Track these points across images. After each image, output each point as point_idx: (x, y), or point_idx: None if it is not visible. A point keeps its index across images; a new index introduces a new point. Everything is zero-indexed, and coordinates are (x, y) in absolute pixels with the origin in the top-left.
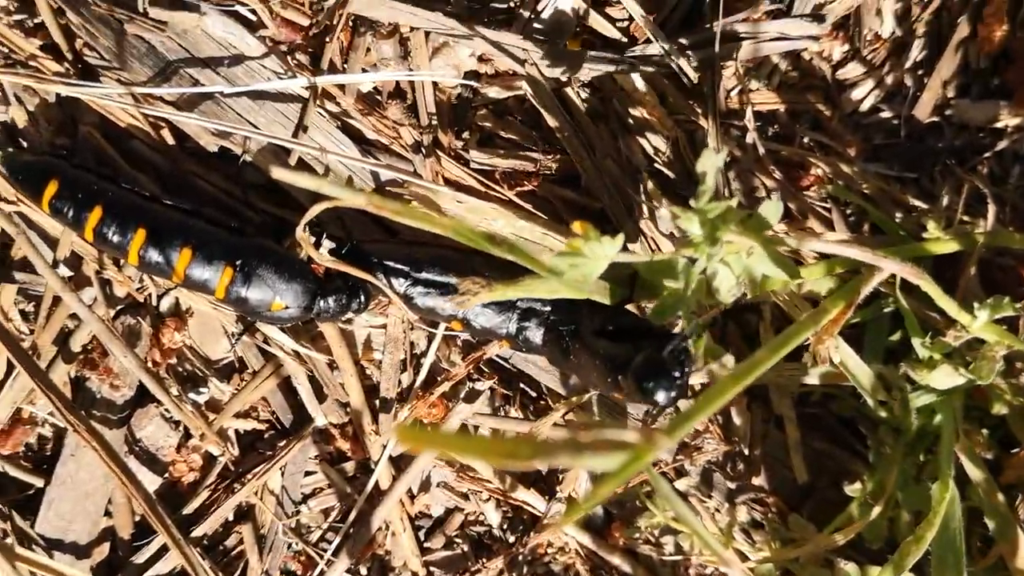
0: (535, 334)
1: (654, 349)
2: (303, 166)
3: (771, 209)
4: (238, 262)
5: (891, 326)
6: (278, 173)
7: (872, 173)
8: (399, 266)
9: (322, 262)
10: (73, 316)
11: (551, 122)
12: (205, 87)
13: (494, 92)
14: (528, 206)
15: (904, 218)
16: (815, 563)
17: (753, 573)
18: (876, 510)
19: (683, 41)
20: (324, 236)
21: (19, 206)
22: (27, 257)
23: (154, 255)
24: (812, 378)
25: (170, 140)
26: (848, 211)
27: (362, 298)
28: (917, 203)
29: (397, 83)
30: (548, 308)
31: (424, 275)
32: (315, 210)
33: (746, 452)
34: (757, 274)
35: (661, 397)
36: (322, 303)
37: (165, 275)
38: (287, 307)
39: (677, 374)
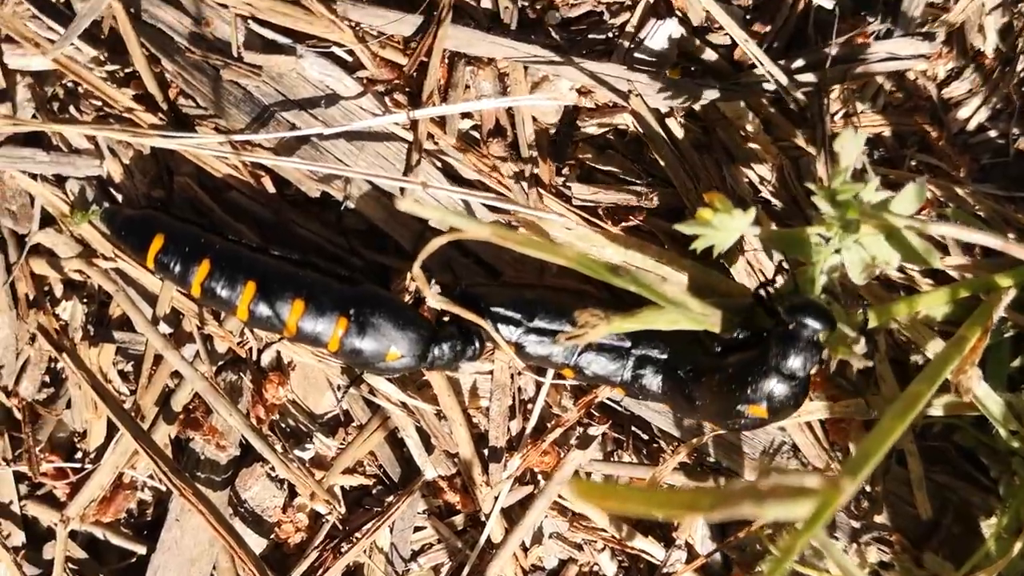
0: (652, 381)
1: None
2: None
3: (913, 193)
4: (351, 312)
5: (1012, 351)
6: (402, 204)
7: (983, 193)
8: (510, 312)
9: (438, 304)
10: (174, 375)
11: (655, 153)
12: (303, 131)
13: (595, 125)
14: (634, 238)
15: (1018, 238)
16: None
17: None
18: (1018, 545)
19: (788, 65)
20: (433, 281)
21: (117, 262)
22: (126, 315)
23: (265, 309)
24: (936, 409)
25: (270, 188)
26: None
27: (476, 344)
28: None
29: (497, 121)
30: (664, 355)
31: (536, 323)
32: (434, 244)
33: (868, 489)
34: (894, 257)
35: (817, 323)
36: (436, 351)
37: (276, 330)
38: (402, 356)
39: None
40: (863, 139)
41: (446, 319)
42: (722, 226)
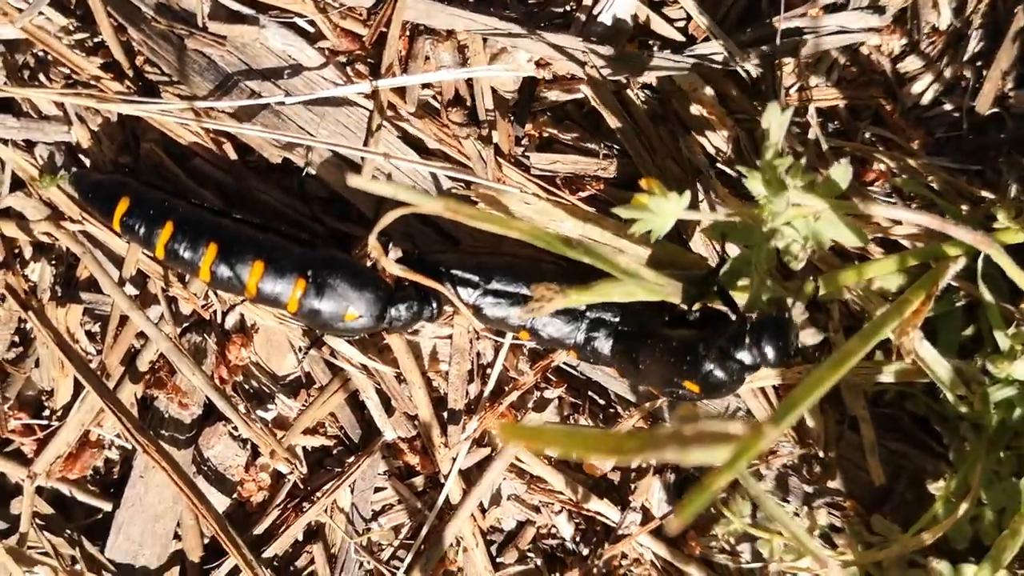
0: (603, 344)
1: (741, 323)
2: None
3: (840, 172)
4: (310, 273)
5: (964, 320)
6: (353, 181)
7: (936, 166)
8: (467, 275)
9: (393, 271)
10: (139, 335)
11: (612, 124)
12: (266, 98)
13: (553, 96)
14: (592, 210)
15: (971, 210)
16: (900, 565)
17: None
18: (962, 508)
19: (742, 38)
20: (391, 246)
21: (84, 225)
22: (93, 277)
23: (226, 270)
24: (887, 376)
25: (232, 155)
26: (913, 205)
27: (434, 305)
28: (984, 194)
29: (456, 91)
30: (617, 318)
31: (493, 285)
32: (389, 217)
33: (821, 455)
34: (825, 237)
35: (770, 352)
36: (394, 311)
37: (237, 290)
38: (360, 316)
39: (782, 332)
40: (789, 115)
41: (405, 282)
42: (658, 210)
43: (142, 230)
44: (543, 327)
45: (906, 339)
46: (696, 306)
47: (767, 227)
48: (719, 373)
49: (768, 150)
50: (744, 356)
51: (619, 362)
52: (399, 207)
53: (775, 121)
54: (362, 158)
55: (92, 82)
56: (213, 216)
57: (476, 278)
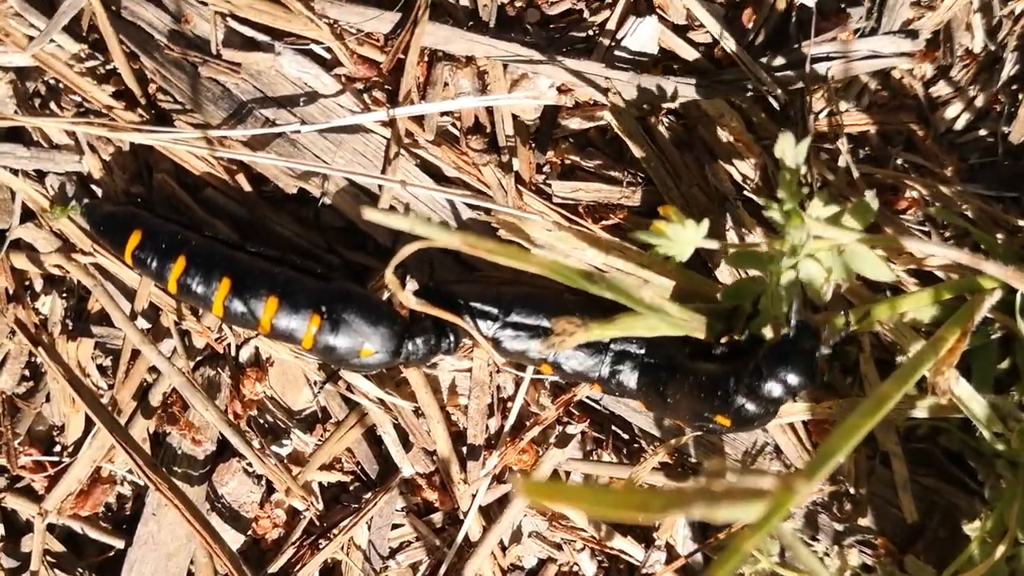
0: (629, 377)
1: (769, 347)
2: (388, 209)
3: (865, 206)
4: (324, 309)
5: (999, 354)
6: (369, 214)
7: (970, 193)
8: (486, 308)
9: (411, 305)
10: (152, 370)
11: (635, 152)
12: (281, 127)
13: (575, 123)
14: (615, 239)
15: (1007, 239)
16: None
17: None
18: (999, 550)
19: (769, 63)
20: (408, 278)
21: (96, 257)
22: (104, 310)
23: (239, 306)
24: (920, 411)
25: (246, 186)
26: (947, 234)
27: (451, 339)
28: (1021, 223)
29: (476, 118)
30: (643, 351)
31: (513, 317)
32: (406, 251)
33: (852, 492)
34: (850, 271)
35: (793, 379)
36: (410, 346)
37: (250, 326)
38: (376, 352)
39: (806, 355)
40: (806, 144)
41: (421, 315)
42: (676, 238)
43: (154, 264)
44: (566, 360)
45: (941, 379)
46: (723, 340)
47: (788, 259)
48: (750, 407)
49: (783, 180)
50: (771, 388)
51: (646, 396)
52: (415, 240)
53: (788, 149)
54: (379, 187)
55: (104, 111)
56: (226, 249)
57: (495, 310)
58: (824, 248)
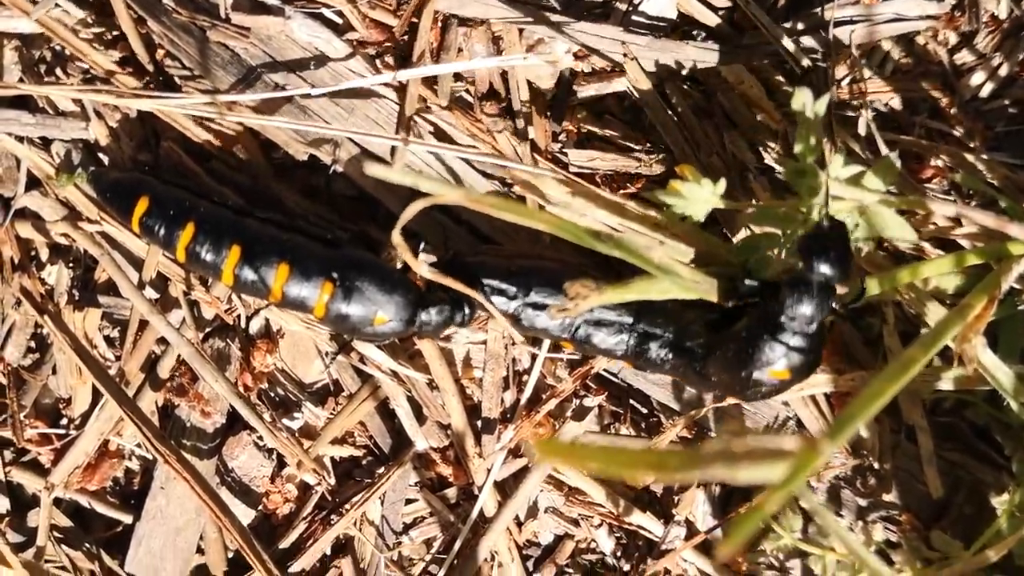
0: (657, 354)
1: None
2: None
3: (888, 166)
4: (336, 276)
5: None
6: (371, 169)
7: (997, 162)
8: (506, 284)
9: (423, 274)
10: (160, 341)
11: (654, 119)
12: (290, 91)
13: (592, 89)
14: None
15: None
16: None
17: None
18: None
19: (791, 28)
20: (422, 247)
21: (103, 225)
22: (111, 280)
23: (250, 273)
24: (946, 383)
25: (256, 152)
26: (972, 203)
27: (467, 310)
28: None
29: (491, 84)
30: (669, 333)
31: (533, 295)
32: (411, 210)
33: (876, 466)
34: (870, 231)
35: (827, 268)
36: (424, 315)
37: (261, 294)
38: (389, 321)
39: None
40: (825, 100)
41: (434, 284)
42: (692, 196)
43: (162, 231)
44: (587, 338)
45: (968, 347)
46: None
47: (806, 219)
48: (798, 341)
49: (800, 134)
50: (807, 308)
51: (683, 374)
52: (415, 204)
53: (807, 102)
54: (392, 151)
55: (110, 77)
56: (236, 216)
57: (515, 287)
58: (845, 210)
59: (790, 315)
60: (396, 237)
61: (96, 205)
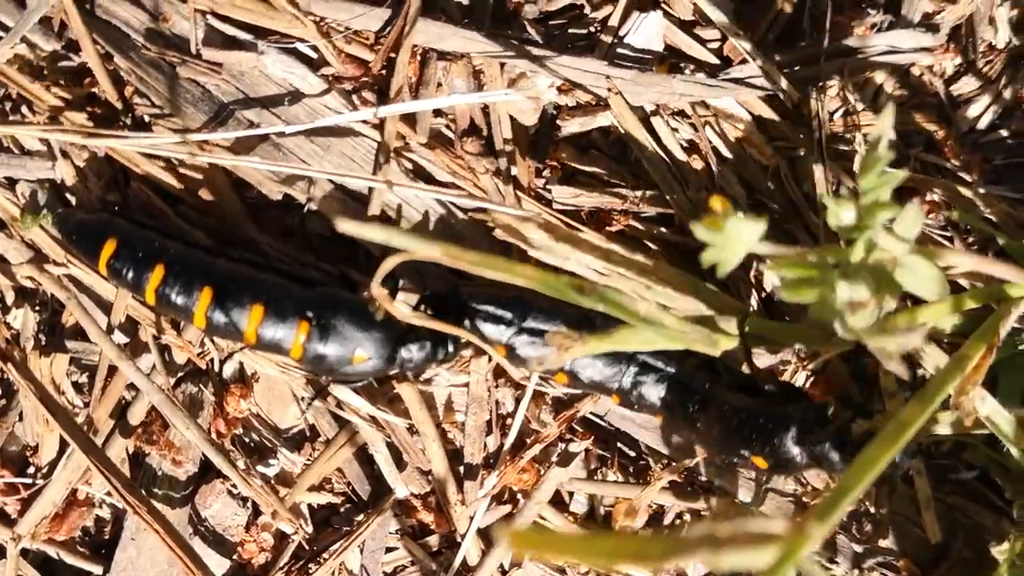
0: (652, 391)
1: (818, 410)
2: (381, 217)
3: (912, 215)
4: (312, 315)
5: None
6: (344, 226)
7: (994, 196)
8: (501, 311)
9: (404, 318)
10: (130, 387)
11: (639, 155)
12: (264, 128)
13: (577, 125)
14: (618, 247)
15: None
16: None
17: None
18: None
19: (781, 60)
20: (400, 286)
21: (69, 268)
22: (79, 324)
23: (222, 316)
24: (943, 428)
25: (229, 191)
26: (970, 238)
27: (450, 347)
28: None
29: (472, 121)
30: (670, 369)
31: (530, 322)
32: (387, 265)
33: (872, 511)
34: (900, 287)
35: (836, 458)
36: (405, 352)
37: (235, 338)
38: (369, 359)
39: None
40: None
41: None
42: (734, 235)
43: (130, 274)
44: (583, 370)
45: (966, 399)
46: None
47: (843, 271)
48: (795, 456)
49: (871, 167)
50: (834, 456)
51: (670, 415)
52: (391, 259)
53: (888, 123)
54: (369, 190)
55: (78, 114)
56: (208, 257)
57: (510, 314)
58: (876, 262)
59: (801, 442)
60: (376, 288)
61: (63, 247)
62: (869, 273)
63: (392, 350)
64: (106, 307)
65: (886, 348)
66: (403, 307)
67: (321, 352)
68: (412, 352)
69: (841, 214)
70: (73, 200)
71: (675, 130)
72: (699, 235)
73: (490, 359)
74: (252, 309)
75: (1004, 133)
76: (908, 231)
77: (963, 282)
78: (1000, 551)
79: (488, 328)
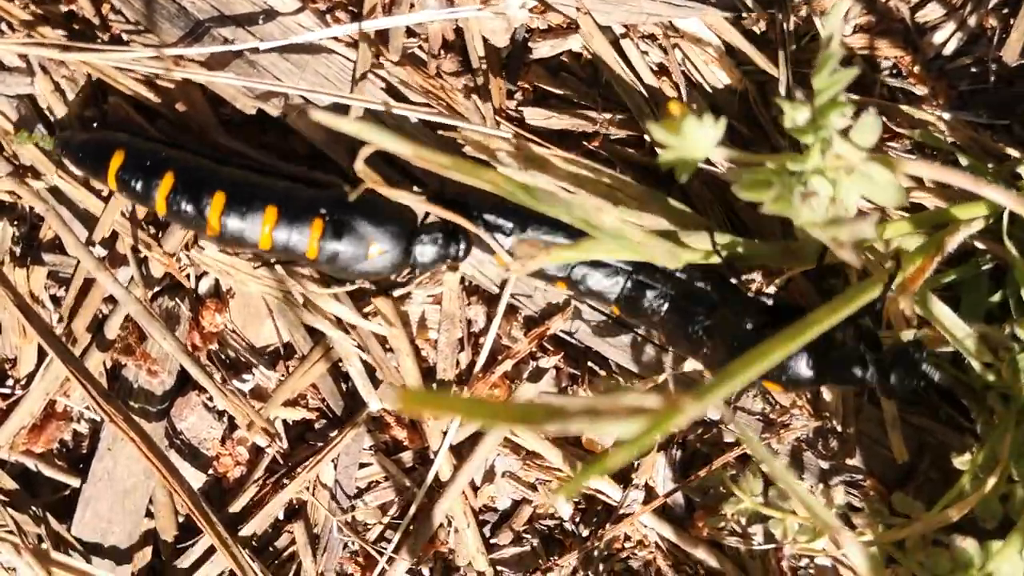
0: (652, 304)
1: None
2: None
3: (869, 124)
4: (324, 212)
5: (990, 287)
6: (318, 115)
7: (960, 121)
8: (502, 220)
9: (427, 207)
10: (107, 300)
11: (610, 78)
12: (240, 45)
13: (548, 47)
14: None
15: (997, 168)
16: (924, 545)
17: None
18: (990, 482)
19: None
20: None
21: (56, 181)
22: (57, 239)
23: (236, 221)
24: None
25: (204, 107)
26: (937, 164)
27: (462, 244)
28: (1010, 151)
29: (444, 40)
30: (667, 285)
31: (530, 232)
32: (362, 155)
33: (839, 429)
34: (856, 194)
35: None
36: (420, 247)
37: (249, 243)
38: (385, 252)
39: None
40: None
41: (429, 216)
42: (693, 136)
43: (139, 184)
44: (582, 279)
45: (905, 299)
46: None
47: (797, 179)
48: (811, 378)
49: (824, 65)
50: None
51: (671, 333)
52: (365, 149)
53: (836, 25)
54: (344, 107)
55: (54, 32)
56: (214, 164)
57: (511, 223)
58: (831, 170)
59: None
60: (359, 165)
61: (74, 166)
62: (825, 177)
63: (408, 243)
64: (85, 220)
65: (838, 237)
66: (422, 200)
67: (336, 249)
68: (428, 246)
69: (796, 115)
70: (55, 115)
71: (645, 53)
72: (656, 136)
73: (463, 279)
74: (266, 211)
75: (969, 60)
76: (865, 139)
77: (929, 204)
78: (962, 462)
79: (492, 235)
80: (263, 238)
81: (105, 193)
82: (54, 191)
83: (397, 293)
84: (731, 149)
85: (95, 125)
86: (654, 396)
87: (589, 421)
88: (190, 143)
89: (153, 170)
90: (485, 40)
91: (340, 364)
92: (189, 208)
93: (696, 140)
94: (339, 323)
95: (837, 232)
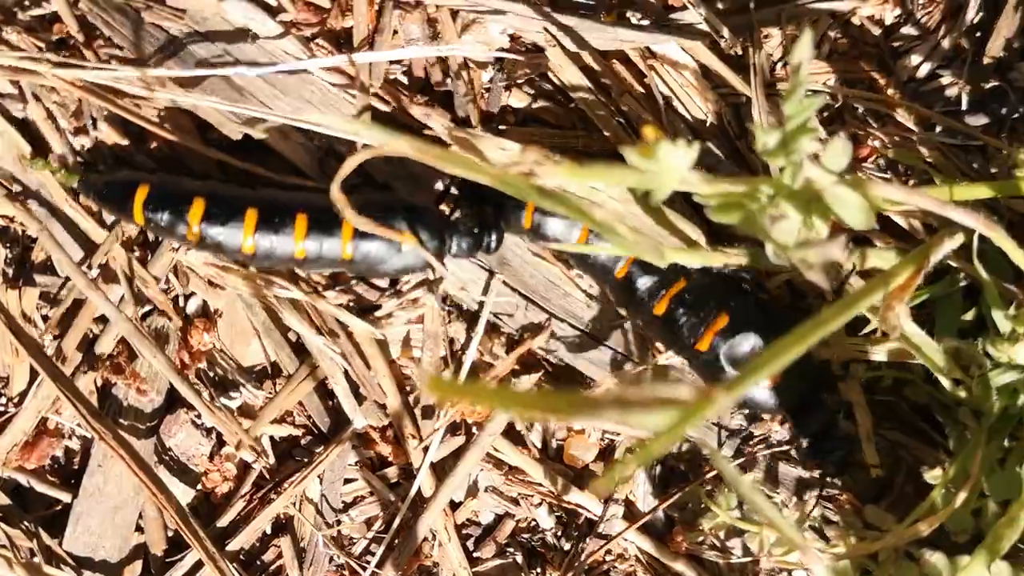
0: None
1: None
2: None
3: (839, 147)
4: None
5: (964, 304)
6: (313, 116)
7: (933, 143)
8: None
9: (360, 225)
10: (97, 320)
11: (581, 104)
12: (226, 70)
13: (525, 71)
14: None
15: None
16: (896, 558)
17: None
18: (961, 497)
19: (722, 6)
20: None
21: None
22: (48, 260)
23: (271, 238)
24: (879, 354)
25: (193, 133)
26: (910, 183)
27: (494, 235)
28: (984, 171)
29: (426, 70)
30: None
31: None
32: (356, 159)
33: None
34: (827, 216)
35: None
36: (455, 237)
37: (282, 258)
38: (416, 246)
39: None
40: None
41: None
42: (667, 160)
43: (165, 216)
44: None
45: (891, 315)
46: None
47: (769, 201)
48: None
49: (792, 93)
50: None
51: (670, 334)
52: (360, 154)
53: (805, 49)
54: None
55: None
56: (237, 187)
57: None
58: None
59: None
60: (334, 191)
61: (101, 207)
62: (797, 199)
63: (441, 235)
64: (77, 241)
65: (807, 259)
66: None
67: (369, 248)
68: (461, 236)
69: (767, 140)
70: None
71: (620, 78)
72: (632, 161)
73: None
74: (297, 219)
75: (943, 82)
76: (835, 163)
77: (902, 222)
78: (933, 476)
79: (513, 215)
80: (297, 251)
81: (110, 221)
82: (49, 213)
83: (379, 314)
84: (704, 173)
85: (86, 155)
86: (685, 387)
87: (619, 412)
88: (203, 171)
89: (181, 198)
90: (467, 65)
91: (326, 382)
92: (221, 231)
93: (671, 164)
94: (329, 332)
95: (807, 255)
